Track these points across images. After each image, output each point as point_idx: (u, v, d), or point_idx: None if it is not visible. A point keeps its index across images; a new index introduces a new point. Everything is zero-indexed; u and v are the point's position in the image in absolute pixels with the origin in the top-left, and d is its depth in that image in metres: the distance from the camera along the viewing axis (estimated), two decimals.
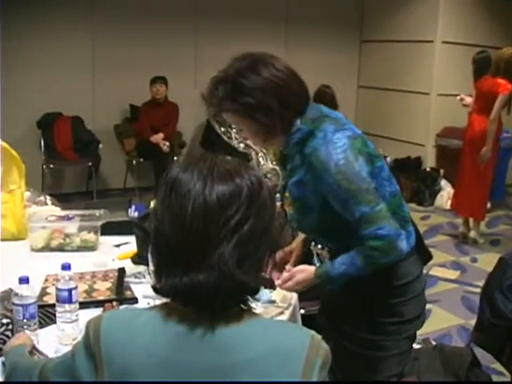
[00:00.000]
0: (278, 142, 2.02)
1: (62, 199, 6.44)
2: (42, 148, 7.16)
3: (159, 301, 1.29)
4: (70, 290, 1.98)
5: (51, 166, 7.14)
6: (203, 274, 1.18)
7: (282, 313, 2.29)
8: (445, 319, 4.56)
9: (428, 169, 8.15)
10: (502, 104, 5.87)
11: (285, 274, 2.08)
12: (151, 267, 1.28)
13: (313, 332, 1.27)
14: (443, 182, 7.99)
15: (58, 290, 1.99)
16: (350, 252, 1.96)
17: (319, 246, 2.19)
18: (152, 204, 1.37)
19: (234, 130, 7.90)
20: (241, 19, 8.08)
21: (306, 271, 2.05)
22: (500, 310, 2.86)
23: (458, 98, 6.44)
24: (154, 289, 1.26)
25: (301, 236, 2.34)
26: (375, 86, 9.14)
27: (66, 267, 2.00)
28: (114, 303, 2.16)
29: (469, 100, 6.31)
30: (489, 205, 6.93)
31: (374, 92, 9.15)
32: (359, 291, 2.07)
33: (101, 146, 7.28)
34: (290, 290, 2.13)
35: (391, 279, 2.07)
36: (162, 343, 1.21)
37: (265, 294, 2.32)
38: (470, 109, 6.32)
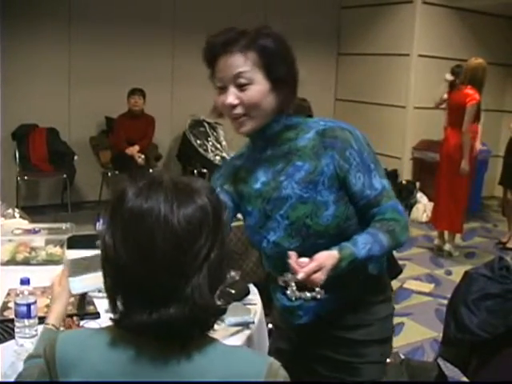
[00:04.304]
0: (264, 119, 1.78)
1: (37, 211, 6.42)
2: (17, 160, 7.10)
3: None
4: (28, 305, 1.94)
5: (26, 177, 7.08)
6: (175, 307, 1.14)
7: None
8: (418, 332, 4.56)
9: (404, 181, 8.19)
10: (472, 115, 5.94)
11: (312, 264, 1.60)
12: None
13: (271, 359, 1.24)
14: (419, 195, 8.04)
15: (16, 304, 1.96)
16: (367, 231, 1.75)
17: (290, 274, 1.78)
18: None
19: (210, 143, 7.90)
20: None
21: (331, 256, 1.65)
22: (465, 324, 2.86)
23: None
24: (116, 323, 1.21)
25: None
26: (352, 99, 9.19)
27: (24, 282, 1.97)
28: (75, 318, 2.13)
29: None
30: None
31: (351, 105, 9.18)
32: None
33: (76, 158, 7.23)
34: (319, 281, 1.61)
35: (376, 292, 1.94)
36: (112, 366, 1.18)
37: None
38: (445, 123, 6.38)
